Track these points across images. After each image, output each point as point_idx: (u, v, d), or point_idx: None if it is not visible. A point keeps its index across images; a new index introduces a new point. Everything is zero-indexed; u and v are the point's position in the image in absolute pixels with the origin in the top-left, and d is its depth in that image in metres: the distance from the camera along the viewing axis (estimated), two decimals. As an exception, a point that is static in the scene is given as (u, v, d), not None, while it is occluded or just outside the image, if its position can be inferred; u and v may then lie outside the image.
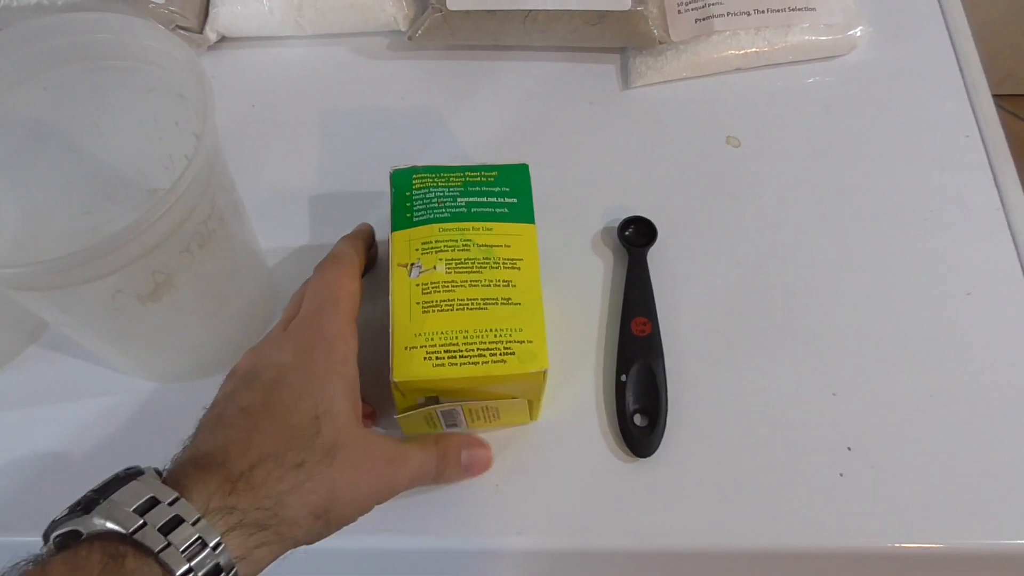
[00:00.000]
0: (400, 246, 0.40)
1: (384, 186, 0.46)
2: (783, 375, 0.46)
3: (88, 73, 0.39)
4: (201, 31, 0.57)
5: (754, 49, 0.55)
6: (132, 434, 0.44)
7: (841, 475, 0.43)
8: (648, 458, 0.43)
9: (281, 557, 0.33)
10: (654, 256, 0.49)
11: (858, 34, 0.56)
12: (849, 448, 0.44)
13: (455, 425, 0.43)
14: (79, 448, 0.44)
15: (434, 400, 0.40)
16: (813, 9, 0.55)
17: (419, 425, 0.43)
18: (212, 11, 0.56)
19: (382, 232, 0.50)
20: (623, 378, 0.44)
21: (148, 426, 0.45)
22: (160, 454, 0.43)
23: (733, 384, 0.45)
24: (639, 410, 0.44)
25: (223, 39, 0.58)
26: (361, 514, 0.36)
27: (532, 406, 0.42)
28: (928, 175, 0.53)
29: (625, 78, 0.57)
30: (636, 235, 0.49)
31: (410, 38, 0.56)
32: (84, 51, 0.38)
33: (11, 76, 0.38)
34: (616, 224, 0.50)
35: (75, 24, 0.37)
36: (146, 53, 0.38)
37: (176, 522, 0.30)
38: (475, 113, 0.56)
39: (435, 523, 0.42)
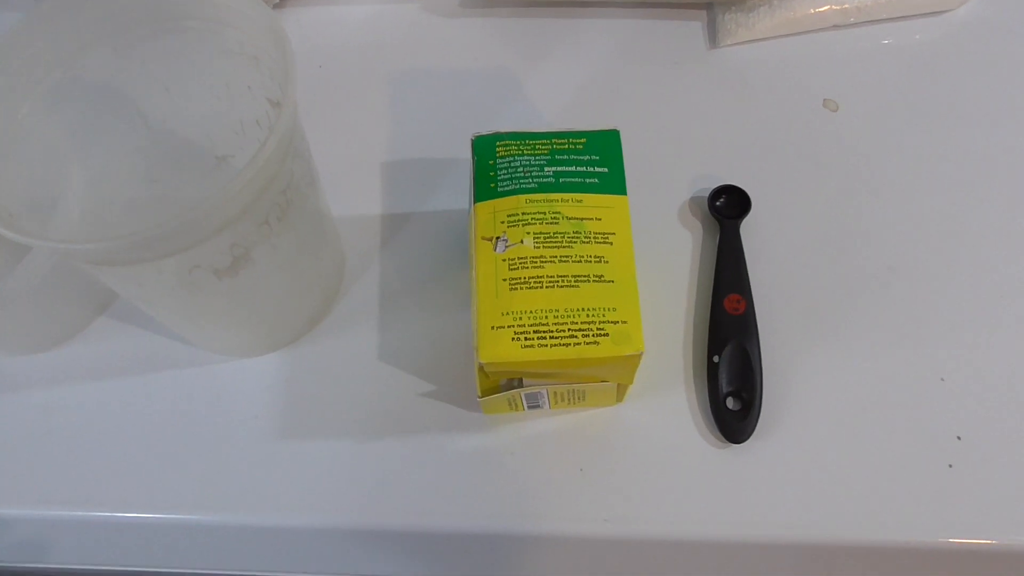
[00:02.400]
0: (484, 218, 0.38)
1: (458, 153, 0.44)
2: (886, 358, 0.43)
3: (160, 35, 0.37)
4: (266, -11, 0.54)
5: (854, 4, 0.51)
6: (201, 407, 0.43)
7: (950, 466, 0.40)
8: (741, 444, 0.41)
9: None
10: (746, 228, 0.46)
11: (969, -13, 0.52)
12: (959, 438, 0.41)
13: (538, 407, 0.41)
14: (147, 421, 0.43)
15: (518, 382, 0.38)
16: (921, -41, 0.51)
17: (501, 406, 0.41)
18: (278, -32, 0.54)
19: (459, 201, 0.48)
20: (715, 359, 0.42)
21: (217, 399, 0.43)
22: (227, 428, 0.42)
23: (832, 367, 0.43)
24: (732, 393, 0.41)
25: (288, -3, 0.56)
26: None
27: (621, 389, 0.40)
28: (1043, 140, 0.49)
29: (713, 36, 0.54)
30: (728, 206, 0.46)
31: (484, -6, 0.53)
32: (156, 11, 0.36)
33: (81, 38, 0.36)
34: (706, 194, 0.47)
35: (147, -18, 0.35)
36: (221, 13, 0.36)
37: None
38: (552, 75, 0.53)
39: (515, 506, 0.40)
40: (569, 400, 0.41)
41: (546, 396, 0.40)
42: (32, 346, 0.45)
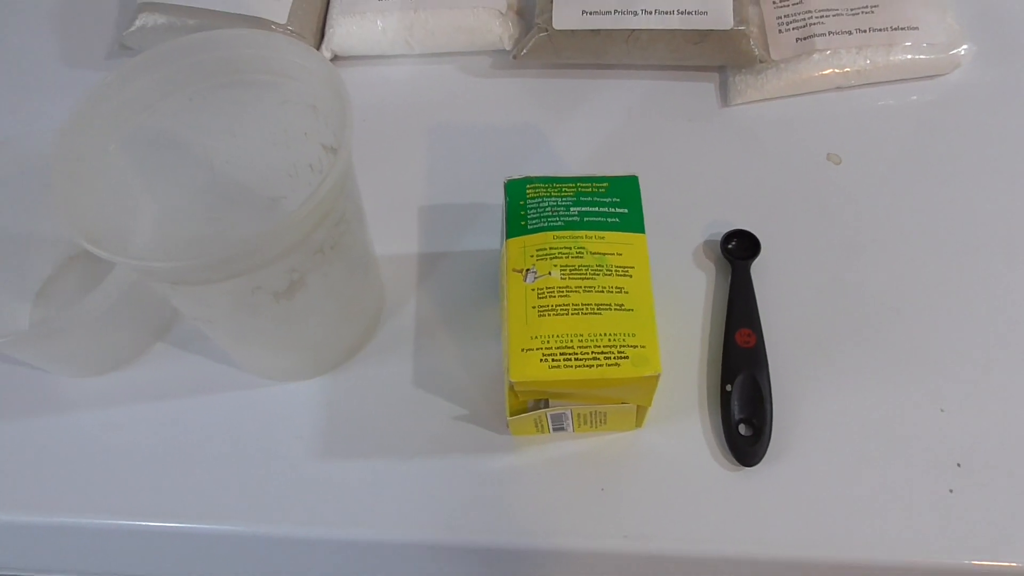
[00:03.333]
0: (515, 252, 0.42)
1: (488, 199, 0.47)
2: (889, 390, 0.46)
3: (230, 86, 0.42)
4: (316, 50, 0.60)
5: (855, 68, 0.56)
6: (249, 427, 0.46)
7: (951, 491, 0.43)
8: (753, 467, 0.44)
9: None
10: (756, 269, 0.49)
11: (962, 53, 0.56)
12: (959, 464, 0.43)
13: (562, 428, 0.44)
14: (198, 439, 0.46)
15: (544, 403, 0.41)
16: (916, 28, 0.56)
17: (528, 427, 0.44)
18: (328, 31, 0.59)
19: (489, 242, 0.52)
20: (728, 388, 0.45)
21: (264, 420, 0.47)
22: (273, 446, 0.46)
23: (838, 397, 0.45)
24: (744, 420, 0.44)
25: (335, 57, 0.61)
26: None
27: (640, 412, 0.43)
28: (1034, 195, 0.52)
29: (724, 96, 0.58)
30: (739, 248, 0.50)
31: (515, 57, 0.58)
32: (228, 65, 0.41)
33: (162, 88, 0.41)
34: (719, 237, 0.51)
35: (222, 40, 0.40)
36: (285, 67, 0.40)
37: None
38: (577, 129, 0.57)
39: (540, 522, 0.43)
40: (592, 423, 0.44)
41: (570, 418, 0.43)
42: (95, 369, 0.49)
